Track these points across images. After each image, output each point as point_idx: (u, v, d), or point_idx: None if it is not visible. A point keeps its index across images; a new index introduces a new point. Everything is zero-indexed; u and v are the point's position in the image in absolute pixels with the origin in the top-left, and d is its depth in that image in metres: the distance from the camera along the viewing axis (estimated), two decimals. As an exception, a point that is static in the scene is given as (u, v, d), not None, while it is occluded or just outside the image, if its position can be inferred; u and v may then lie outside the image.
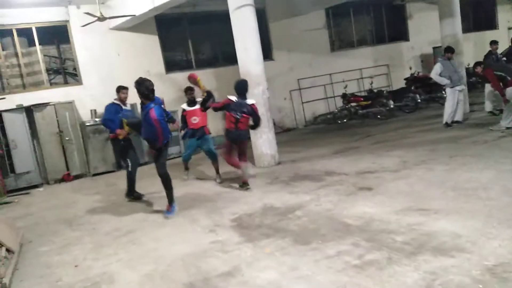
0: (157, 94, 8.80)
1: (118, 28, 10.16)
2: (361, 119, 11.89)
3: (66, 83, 10.24)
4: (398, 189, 5.06)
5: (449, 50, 8.56)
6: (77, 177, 9.42)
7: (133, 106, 7.46)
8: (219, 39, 11.33)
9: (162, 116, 5.14)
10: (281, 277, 3.28)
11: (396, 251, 3.39)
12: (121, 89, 6.44)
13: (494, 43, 9.42)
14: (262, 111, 7.50)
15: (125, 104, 6.48)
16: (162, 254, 4.14)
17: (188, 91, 7.13)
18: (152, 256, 4.14)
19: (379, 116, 11.44)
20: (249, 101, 6.11)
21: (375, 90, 12.41)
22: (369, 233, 3.86)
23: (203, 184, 6.99)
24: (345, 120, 12.11)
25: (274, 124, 10.36)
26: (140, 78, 5.14)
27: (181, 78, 10.97)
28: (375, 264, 3.23)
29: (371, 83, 12.83)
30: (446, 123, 8.50)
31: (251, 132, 7.74)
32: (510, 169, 5.07)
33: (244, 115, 5.99)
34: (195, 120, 6.97)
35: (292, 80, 12.73)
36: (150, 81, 5.10)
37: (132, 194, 6.58)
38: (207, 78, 11.24)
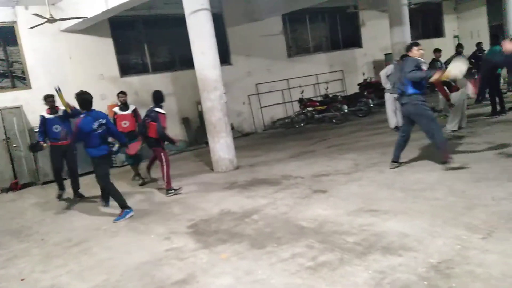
0: (112, 97, 8.64)
1: (70, 30, 9.81)
2: (317, 123, 12.16)
3: (13, 87, 9.73)
4: (350, 191, 5.22)
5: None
6: (25, 185, 8.95)
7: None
8: (176, 42, 11.20)
9: (89, 128, 5.40)
10: (236, 282, 3.29)
11: (347, 252, 3.49)
12: (46, 98, 6.95)
13: (437, 51, 9.93)
14: (219, 116, 7.52)
15: (55, 112, 6.93)
16: (115, 264, 4.03)
17: (120, 94, 7.56)
18: (104, 266, 4.02)
19: (334, 120, 11.75)
20: (158, 109, 6.47)
21: (330, 95, 12.74)
22: (322, 235, 3.96)
23: (159, 192, 6.86)
24: (302, 125, 12.33)
25: (233, 128, 10.39)
26: (80, 91, 5.63)
27: (136, 82, 10.78)
28: (327, 265, 3.32)
29: (327, 88, 13.15)
30: (396, 127, 8.87)
31: (209, 137, 7.73)
32: (455, 170, 5.34)
33: (149, 120, 6.39)
34: (125, 124, 7.45)
35: (251, 84, 12.82)
36: (88, 94, 5.55)
37: (61, 196, 7.17)
38: (164, 82, 11.12)
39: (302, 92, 12.64)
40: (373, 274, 3.07)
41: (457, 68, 5.26)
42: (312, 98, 12.90)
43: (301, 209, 4.81)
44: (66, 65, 9.96)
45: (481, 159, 5.61)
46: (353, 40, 15.46)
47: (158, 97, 6.59)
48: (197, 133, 11.48)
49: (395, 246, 3.47)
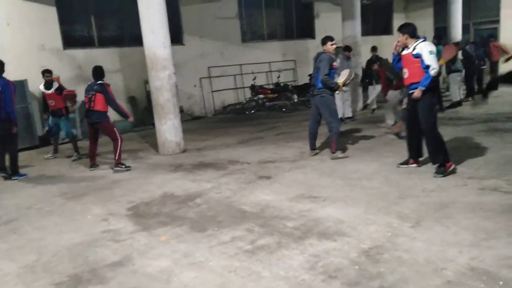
0: (53, 70, 8.15)
1: (9, -6, 9.08)
2: (268, 111, 12.26)
3: None
4: (294, 178, 5.33)
5: (348, 49, 9.19)
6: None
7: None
8: (126, 17, 10.73)
9: None
10: (174, 264, 3.26)
11: (286, 236, 3.58)
12: None
13: (373, 49, 10.32)
14: (167, 97, 7.33)
15: None
16: (46, 244, 3.85)
17: (46, 73, 7.53)
18: (35, 246, 3.83)
19: (284, 109, 11.90)
20: (100, 81, 6.52)
21: (282, 84, 12.87)
22: (263, 219, 4.02)
23: (100, 171, 6.62)
24: (252, 111, 12.38)
25: (182, 111, 10.20)
26: None
27: (81, 55, 10.22)
28: (265, 249, 3.38)
29: (279, 77, 13.26)
30: (341, 118, 9.11)
31: (155, 118, 7.53)
32: (392, 162, 5.62)
33: (94, 92, 6.41)
34: (52, 103, 7.56)
35: (203, 67, 12.61)
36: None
37: None
38: (110, 58, 10.64)
39: (255, 78, 12.65)
40: (308, 257, 3.17)
41: (343, 77, 6.31)
42: (264, 86, 12.96)
43: (245, 194, 4.84)
44: (3, 32, 9.22)
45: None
46: (307, 31, 15.63)
47: (100, 72, 6.55)
48: (144, 113, 11.15)
49: (331, 231, 3.60)
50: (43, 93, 7.67)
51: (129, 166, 6.53)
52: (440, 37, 11.49)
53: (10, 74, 6.61)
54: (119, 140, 6.46)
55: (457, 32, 14.77)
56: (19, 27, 9.39)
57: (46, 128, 8.19)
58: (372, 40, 16.65)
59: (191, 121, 11.69)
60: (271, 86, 13.27)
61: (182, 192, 5.14)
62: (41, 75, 7.65)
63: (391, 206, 4.08)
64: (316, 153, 6.48)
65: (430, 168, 5.09)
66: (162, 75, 7.23)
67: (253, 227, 3.83)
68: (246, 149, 7.42)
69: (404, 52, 5.00)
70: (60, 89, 7.58)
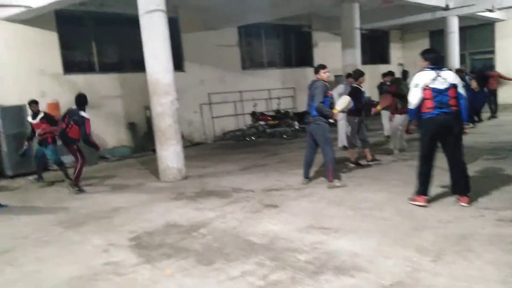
0: (53, 95, 8.05)
1: (11, 19, 9.05)
2: (268, 137, 12.17)
3: None
4: (301, 207, 5.15)
5: (351, 75, 9.19)
6: None
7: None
8: (127, 43, 10.73)
9: None
10: (181, 301, 3.05)
11: (299, 271, 3.37)
12: None
13: (386, 75, 10.31)
14: (169, 123, 7.22)
15: None
16: (44, 277, 3.62)
17: (32, 104, 7.50)
18: (32, 280, 3.60)
19: (285, 136, 11.82)
20: (83, 113, 6.69)
21: (282, 111, 12.85)
22: (273, 251, 3.82)
23: (99, 198, 6.41)
24: (253, 138, 12.28)
25: (182, 137, 10.07)
26: None
27: (81, 80, 10.15)
28: (278, 285, 3.17)
29: (279, 104, 13.26)
30: (344, 146, 9.00)
31: (157, 144, 7.39)
32: (401, 191, 5.46)
33: (72, 123, 6.59)
34: (39, 132, 7.51)
35: (203, 93, 12.59)
36: None
37: None
38: (111, 83, 10.60)
39: (255, 105, 12.62)
40: (326, 295, 2.97)
41: (341, 105, 6.16)
42: (264, 112, 12.93)
43: (252, 224, 4.65)
44: (4, 56, 9.15)
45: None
46: (306, 59, 15.77)
47: (84, 100, 6.71)
48: (143, 139, 11.01)
49: (347, 266, 3.41)
50: (31, 123, 7.59)
51: (83, 191, 6.72)
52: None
53: (9, 99, 6.51)
54: (79, 162, 6.74)
55: (454, 61, 14.96)
56: (19, 51, 9.34)
57: (21, 151, 7.86)
58: (370, 68, 16.82)
59: (191, 147, 11.55)
60: (271, 113, 13.24)
61: (185, 222, 4.94)
62: (40, 100, 7.56)
63: (407, 238, 3.91)
64: (309, 182, 6.35)
65: (443, 198, 4.94)
66: (164, 101, 7.14)
67: (263, 261, 3.63)
68: (249, 176, 7.25)
69: None
70: (47, 117, 7.51)
